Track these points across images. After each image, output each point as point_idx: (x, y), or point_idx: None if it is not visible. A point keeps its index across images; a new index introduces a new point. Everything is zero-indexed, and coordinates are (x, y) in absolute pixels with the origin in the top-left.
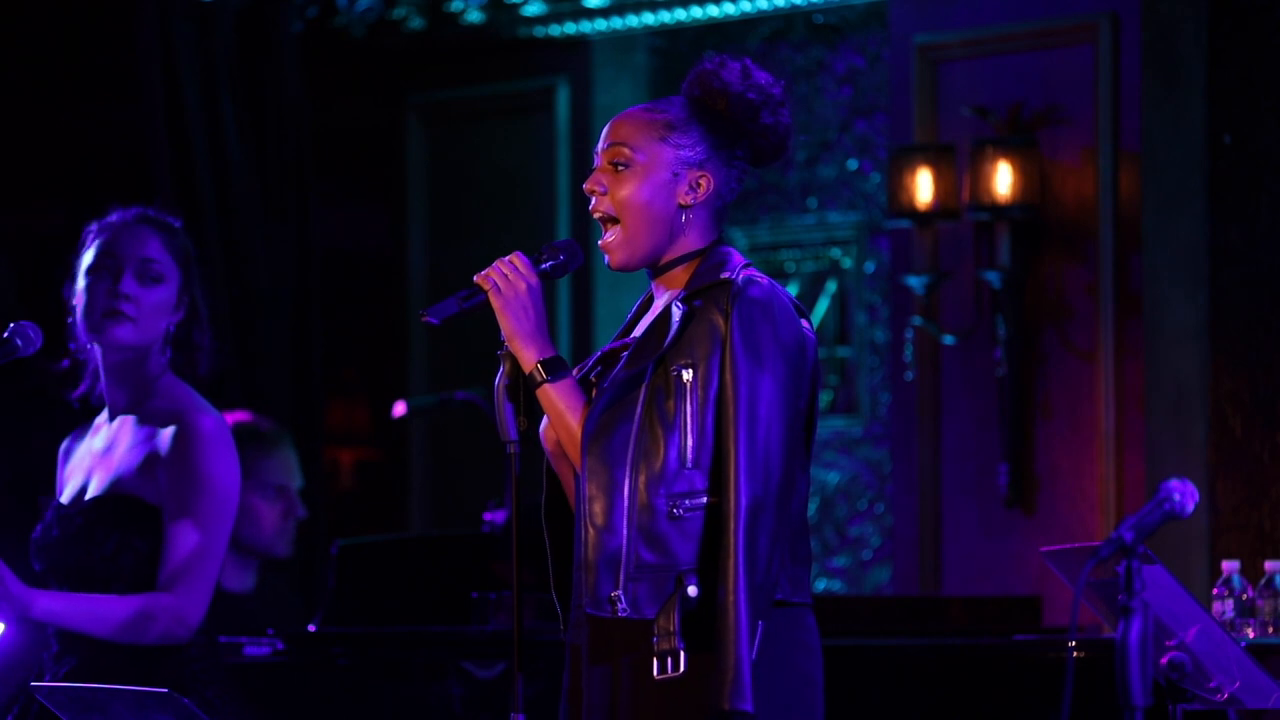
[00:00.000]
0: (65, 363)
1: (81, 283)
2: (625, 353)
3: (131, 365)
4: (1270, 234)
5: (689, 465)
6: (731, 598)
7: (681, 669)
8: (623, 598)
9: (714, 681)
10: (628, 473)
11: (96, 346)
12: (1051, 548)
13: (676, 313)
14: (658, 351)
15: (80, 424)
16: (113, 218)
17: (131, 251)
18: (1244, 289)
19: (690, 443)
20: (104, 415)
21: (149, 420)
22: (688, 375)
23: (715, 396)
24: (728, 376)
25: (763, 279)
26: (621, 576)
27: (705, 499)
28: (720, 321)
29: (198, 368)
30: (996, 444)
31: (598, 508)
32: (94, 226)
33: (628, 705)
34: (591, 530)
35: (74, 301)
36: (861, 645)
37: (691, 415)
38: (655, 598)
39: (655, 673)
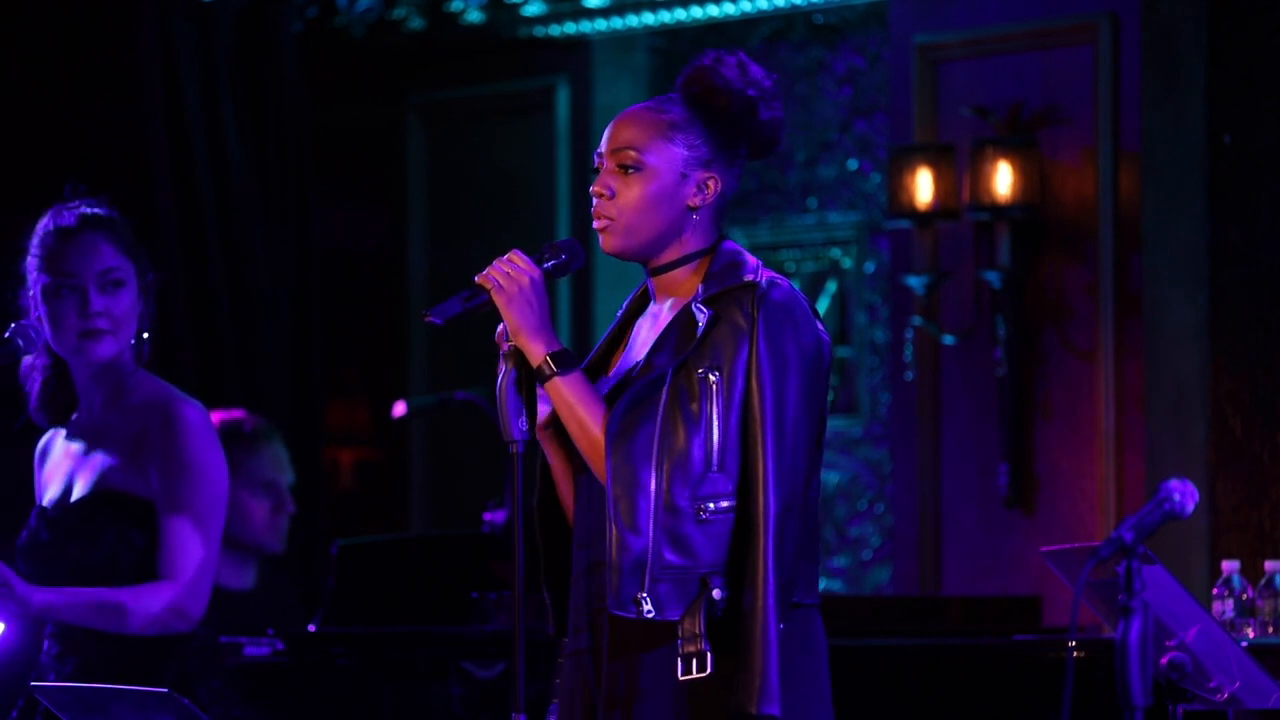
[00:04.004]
0: (35, 377)
1: (45, 305)
2: (638, 356)
3: (108, 370)
4: (1270, 234)
5: (714, 468)
6: (761, 602)
7: (708, 670)
8: (648, 599)
9: (740, 684)
10: (653, 473)
11: (69, 360)
12: (1051, 548)
13: (701, 316)
14: (682, 354)
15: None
16: (51, 225)
17: (87, 265)
18: (1244, 289)
19: (716, 444)
20: (77, 417)
21: (130, 415)
22: (714, 378)
23: (740, 400)
24: (754, 382)
25: (783, 282)
26: (647, 579)
27: (731, 503)
28: (744, 325)
29: (143, 355)
30: (996, 444)
31: (623, 507)
32: (38, 237)
33: (648, 706)
34: (616, 529)
35: (35, 312)
36: (861, 645)
37: (718, 417)
38: (678, 599)
39: (680, 673)
